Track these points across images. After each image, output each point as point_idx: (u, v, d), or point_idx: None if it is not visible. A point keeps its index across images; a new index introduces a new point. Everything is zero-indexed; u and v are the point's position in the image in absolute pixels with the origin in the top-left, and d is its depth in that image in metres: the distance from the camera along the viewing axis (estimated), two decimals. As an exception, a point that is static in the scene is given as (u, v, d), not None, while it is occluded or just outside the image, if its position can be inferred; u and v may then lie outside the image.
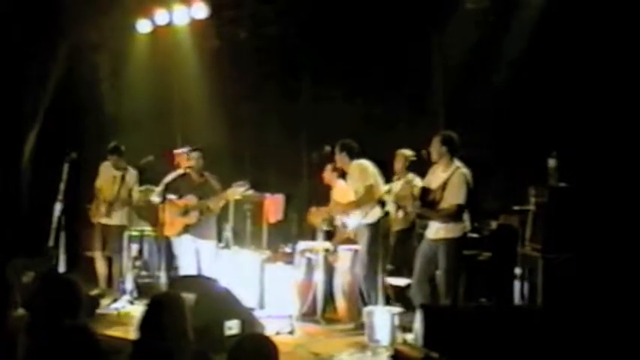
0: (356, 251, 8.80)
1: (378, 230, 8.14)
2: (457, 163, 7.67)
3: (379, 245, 8.06)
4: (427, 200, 7.69)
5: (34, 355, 3.21)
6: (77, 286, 4.36)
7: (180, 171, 9.41)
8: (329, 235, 9.31)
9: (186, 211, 9.07)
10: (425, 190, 7.74)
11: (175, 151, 9.97)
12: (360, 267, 8.46)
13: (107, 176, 9.96)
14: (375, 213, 8.07)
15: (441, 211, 7.57)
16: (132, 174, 9.96)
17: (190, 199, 9.08)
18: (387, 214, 8.35)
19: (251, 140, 11.80)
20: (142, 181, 10.09)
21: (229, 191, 8.90)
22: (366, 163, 8.50)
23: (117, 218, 9.90)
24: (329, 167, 9.60)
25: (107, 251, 9.89)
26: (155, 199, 9.25)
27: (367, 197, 8.22)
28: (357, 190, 8.45)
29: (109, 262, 9.96)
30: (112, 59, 12.34)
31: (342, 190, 9.40)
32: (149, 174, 10.13)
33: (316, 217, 9.12)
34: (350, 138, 8.70)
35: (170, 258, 9.23)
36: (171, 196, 9.04)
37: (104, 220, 9.86)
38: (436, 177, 7.76)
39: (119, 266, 9.86)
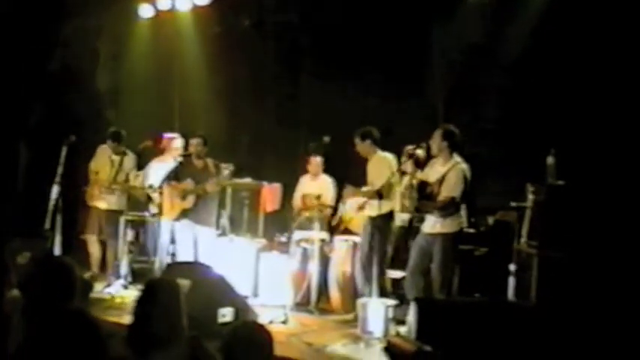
0: (354, 242, 8.83)
1: (380, 223, 8.14)
2: (457, 158, 7.68)
3: (379, 238, 8.09)
4: (425, 194, 7.70)
5: (32, 337, 3.21)
6: (72, 269, 4.36)
7: (169, 160, 9.52)
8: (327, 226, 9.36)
9: (184, 196, 9.13)
10: (423, 184, 7.73)
11: (165, 136, 10.02)
12: (359, 257, 8.50)
13: (105, 159, 9.94)
14: (379, 206, 8.05)
15: (436, 203, 7.58)
16: (130, 158, 9.95)
17: (187, 184, 9.12)
18: (391, 211, 8.35)
19: (250, 128, 11.78)
20: (139, 166, 10.09)
21: (221, 177, 8.95)
22: (392, 158, 8.47)
23: (113, 203, 9.88)
24: (319, 159, 9.64)
25: (102, 235, 9.89)
26: (156, 185, 9.32)
27: (383, 190, 8.19)
28: (373, 181, 8.42)
29: (103, 246, 9.96)
30: (114, 43, 12.32)
31: (323, 185, 9.49)
32: (147, 159, 10.13)
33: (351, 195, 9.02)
34: (348, 129, 8.70)
35: (167, 243, 9.24)
36: (172, 182, 9.13)
37: (101, 205, 9.85)
38: (434, 171, 7.76)
39: (113, 251, 9.86)
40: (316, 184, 9.84)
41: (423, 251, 7.70)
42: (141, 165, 10.15)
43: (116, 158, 9.87)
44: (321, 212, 9.45)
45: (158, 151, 10.14)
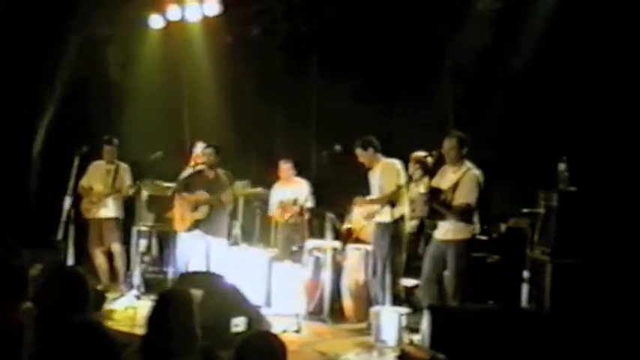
0: (366, 251, 8.81)
1: (393, 230, 8.12)
2: (468, 164, 7.67)
3: (391, 245, 8.07)
4: (438, 201, 7.68)
5: (45, 349, 3.21)
6: (85, 279, 4.36)
7: (196, 168, 9.49)
8: (338, 235, 9.35)
9: (196, 207, 9.12)
10: (435, 191, 7.72)
11: (195, 152, 9.98)
12: (371, 265, 8.49)
13: (99, 172, 10.01)
14: (392, 212, 8.05)
15: (452, 209, 7.56)
16: (124, 168, 10.03)
17: (201, 195, 9.12)
18: (402, 216, 8.35)
19: (260, 137, 11.79)
20: (136, 175, 10.11)
21: (236, 184, 8.97)
22: (399, 164, 8.48)
23: (111, 211, 9.92)
24: (289, 164, 9.96)
25: (105, 246, 9.90)
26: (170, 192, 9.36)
27: (395, 196, 8.19)
28: (383, 187, 8.42)
29: (110, 256, 9.97)
30: (124, 54, 12.36)
31: (298, 189, 9.80)
32: (158, 169, 10.15)
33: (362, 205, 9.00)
34: (360, 137, 8.69)
35: (184, 253, 9.24)
36: (184, 193, 9.12)
37: (98, 215, 9.88)
38: (446, 178, 7.75)
39: (122, 259, 9.89)
40: (291, 189, 9.91)
41: (436, 259, 7.68)
42: (144, 175, 10.16)
43: (111, 168, 9.93)
44: (302, 216, 9.53)
45: (172, 160, 10.14)
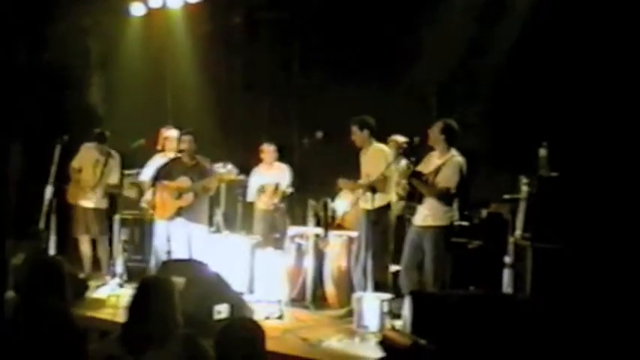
0: (349, 237, 8.82)
1: (376, 216, 8.11)
2: (454, 152, 7.69)
3: (375, 231, 8.08)
4: (419, 179, 7.72)
5: (15, 329, 3.24)
6: (59, 265, 4.37)
7: (170, 155, 9.46)
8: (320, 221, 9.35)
9: (179, 194, 9.08)
10: (417, 174, 7.74)
11: (164, 134, 9.98)
12: (355, 252, 8.49)
13: (89, 159, 9.96)
14: (372, 199, 8.03)
15: (432, 189, 7.59)
16: (115, 158, 9.96)
17: (183, 182, 9.09)
18: (388, 204, 8.35)
19: (242, 125, 11.77)
20: (124, 165, 10.09)
21: (223, 171, 8.93)
22: (388, 150, 8.45)
23: (97, 202, 9.90)
24: (273, 147, 10.06)
25: (91, 234, 9.89)
26: (146, 181, 9.30)
27: (380, 184, 8.17)
28: (370, 174, 8.37)
29: (94, 244, 9.97)
30: (104, 42, 12.30)
31: (279, 173, 9.89)
32: (140, 157, 10.12)
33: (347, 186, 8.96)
34: (342, 124, 8.69)
35: (162, 241, 9.21)
36: (164, 181, 9.06)
37: (84, 203, 9.86)
38: (430, 163, 7.78)
39: (104, 249, 9.88)
40: (272, 174, 9.89)
41: (415, 245, 7.71)
42: (129, 164, 10.16)
43: (101, 158, 9.88)
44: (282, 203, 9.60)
45: (153, 148, 10.11)
